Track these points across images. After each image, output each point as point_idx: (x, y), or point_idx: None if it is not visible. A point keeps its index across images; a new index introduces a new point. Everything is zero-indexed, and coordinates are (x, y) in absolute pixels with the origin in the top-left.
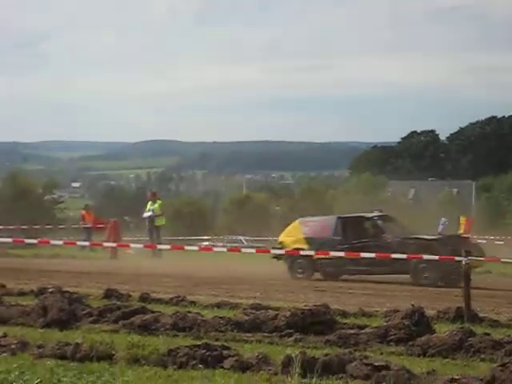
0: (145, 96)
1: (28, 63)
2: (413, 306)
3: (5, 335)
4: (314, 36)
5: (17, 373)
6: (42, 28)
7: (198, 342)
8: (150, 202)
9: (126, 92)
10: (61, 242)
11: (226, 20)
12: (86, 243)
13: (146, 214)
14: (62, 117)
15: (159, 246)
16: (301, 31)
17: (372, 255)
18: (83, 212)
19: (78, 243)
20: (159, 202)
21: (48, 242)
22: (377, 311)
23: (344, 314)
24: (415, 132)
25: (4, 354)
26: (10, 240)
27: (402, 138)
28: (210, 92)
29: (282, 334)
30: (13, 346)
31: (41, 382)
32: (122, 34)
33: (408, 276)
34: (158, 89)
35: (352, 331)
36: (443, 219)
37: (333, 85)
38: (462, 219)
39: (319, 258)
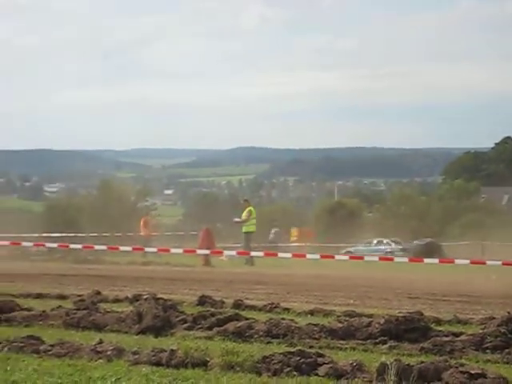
0: (234, 103)
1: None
2: (509, 313)
3: (100, 342)
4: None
5: (113, 379)
6: (132, 36)
7: (292, 349)
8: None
9: (217, 99)
10: (155, 250)
11: (314, 28)
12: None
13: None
14: (154, 124)
15: (252, 253)
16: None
17: None
18: (146, 218)
19: (172, 250)
20: (248, 208)
21: (142, 250)
22: (472, 318)
23: (438, 322)
24: (509, 137)
25: (100, 361)
26: (104, 248)
27: (496, 144)
28: (300, 98)
29: (376, 341)
30: (108, 353)
31: None
32: (212, 42)
33: None
34: (248, 96)
35: (447, 338)
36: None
37: (422, 91)
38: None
39: None
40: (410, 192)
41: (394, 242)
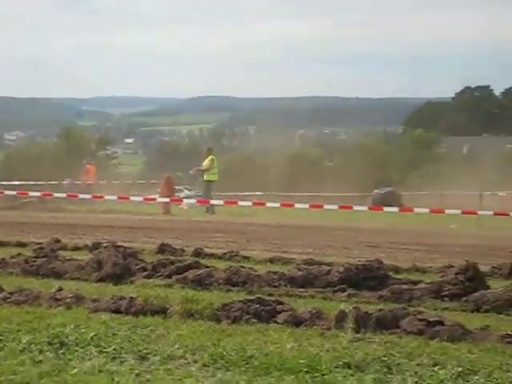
0: (198, 52)
1: (79, 18)
2: (467, 261)
3: (60, 289)
4: None
5: (72, 326)
6: None
7: (252, 297)
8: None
9: (179, 48)
10: (115, 198)
11: None
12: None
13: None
14: (115, 72)
15: (212, 202)
16: None
17: None
18: (88, 166)
19: (132, 198)
20: (210, 157)
21: (102, 197)
22: (430, 267)
23: (397, 270)
24: (469, 87)
25: (59, 308)
26: (64, 195)
27: (456, 94)
28: (262, 47)
29: (336, 289)
30: (68, 300)
31: (96, 335)
32: None
33: None
34: (212, 45)
35: (406, 287)
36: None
37: (388, 41)
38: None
39: None
40: (370, 141)
41: (188, 189)
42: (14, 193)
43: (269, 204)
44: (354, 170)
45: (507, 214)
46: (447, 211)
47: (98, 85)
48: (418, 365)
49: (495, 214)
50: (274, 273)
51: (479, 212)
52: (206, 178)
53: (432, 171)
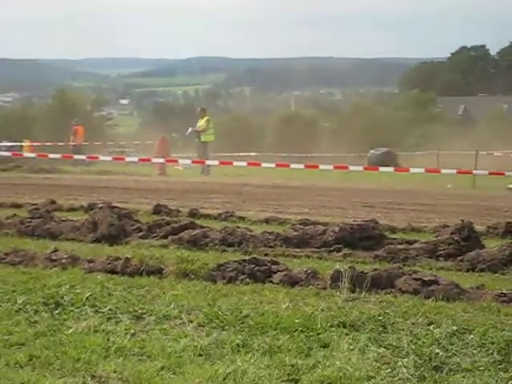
0: (194, 12)
1: None
2: (462, 221)
3: (55, 250)
4: None
5: (68, 286)
6: None
7: (247, 257)
8: (200, 119)
9: (175, 7)
10: (109, 158)
11: None
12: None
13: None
14: (110, 33)
15: (207, 162)
16: None
17: None
18: (76, 127)
19: (127, 159)
20: (206, 117)
21: (97, 158)
22: (426, 227)
23: (393, 230)
24: (465, 47)
25: (55, 269)
26: (59, 156)
27: (452, 54)
28: (260, 8)
29: (331, 249)
30: (63, 261)
31: (91, 295)
32: None
33: None
34: (207, 4)
35: (401, 246)
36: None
37: (382, 1)
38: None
39: None
40: (366, 102)
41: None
42: (9, 154)
43: (264, 164)
44: (349, 130)
45: (503, 174)
46: (443, 171)
47: (91, 46)
48: (413, 324)
49: (490, 174)
50: (270, 233)
51: (474, 171)
52: (202, 139)
53: (428, 131)
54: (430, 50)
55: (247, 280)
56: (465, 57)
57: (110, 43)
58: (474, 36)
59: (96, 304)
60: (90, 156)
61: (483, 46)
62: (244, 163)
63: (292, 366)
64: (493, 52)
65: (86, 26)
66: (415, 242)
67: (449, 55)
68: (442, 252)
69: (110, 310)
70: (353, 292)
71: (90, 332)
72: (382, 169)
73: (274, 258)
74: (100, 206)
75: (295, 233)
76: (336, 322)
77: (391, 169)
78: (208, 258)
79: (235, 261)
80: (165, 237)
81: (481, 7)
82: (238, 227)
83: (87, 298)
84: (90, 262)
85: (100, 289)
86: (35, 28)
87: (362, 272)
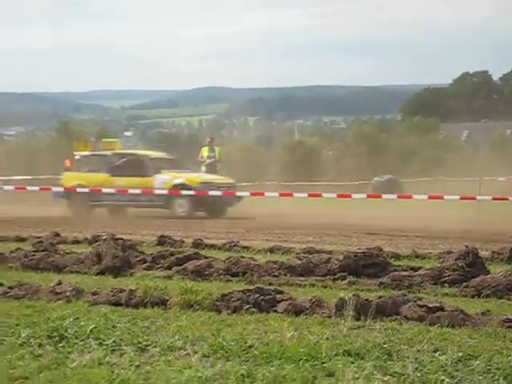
0: (195, 42)
1: (75, 11)
2: (466, 246)
3: (59, 283)
4: None
5: (72, 319)
6: None
7: (251, 287)
8: (205, 149)
9: (176, 39)
10: (113, 191)
11: None
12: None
13: (208, 161)
14: (112, 66)
15: (210, 193)
16: None
17: None
18: (69, 160)
19: (131, 191)
20: (217, 148)
21: (99, 191)
22: (430, 253)
23: (397, 257)
24: (467, 73)
25: (59, 302)
26: (61, 189)
27: (454, 80)
28: (259, 37)
29: (335, 277)
30: (67, 294)
31: (96, 327)
32: None
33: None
34: (209, 34)
35: (405, 273)
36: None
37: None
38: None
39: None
40: (369, 129)
41: None
42: (12, 188)
43: (267, 194)
44: (353, 158)
45: (507, 199)
46: (446, 197)
47: (94, 78)
48: (418, 351)
49: (494, 199)
50: (274, 262)
51: (478, 197)
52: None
53: (431, 158)
54: (431, 77)
55: (252, 310)
56: (467, 82)
57: (112, 75)
58: (476, 62)
59: (100, 336)
60: (92, 189)
61: (485, 72)
62: (247, 193)
63: None
64: (495, 78)
65: (88, 58)
66: (420, 268)
67: (451, 81)
68: (446, 278)
69: (114, 342)
70: (358, 320)
71: (94, 365)
72: (385, 196)
73: (278, 288)
74: (104, 237)
75: (299, 261)
76: (341, 351)
77: (394, 196)
78: (212, 288)
79: (240, 291)
80: (169, 268)
81: (483, 33)
82: (242, 257)
83: (91, 330)
84: (94, 294)
85: (104, 321)
86: (34, 61)
87: (366, 300)
